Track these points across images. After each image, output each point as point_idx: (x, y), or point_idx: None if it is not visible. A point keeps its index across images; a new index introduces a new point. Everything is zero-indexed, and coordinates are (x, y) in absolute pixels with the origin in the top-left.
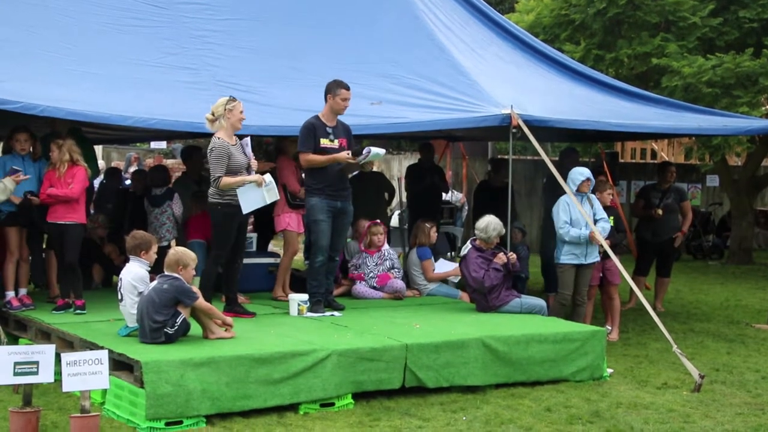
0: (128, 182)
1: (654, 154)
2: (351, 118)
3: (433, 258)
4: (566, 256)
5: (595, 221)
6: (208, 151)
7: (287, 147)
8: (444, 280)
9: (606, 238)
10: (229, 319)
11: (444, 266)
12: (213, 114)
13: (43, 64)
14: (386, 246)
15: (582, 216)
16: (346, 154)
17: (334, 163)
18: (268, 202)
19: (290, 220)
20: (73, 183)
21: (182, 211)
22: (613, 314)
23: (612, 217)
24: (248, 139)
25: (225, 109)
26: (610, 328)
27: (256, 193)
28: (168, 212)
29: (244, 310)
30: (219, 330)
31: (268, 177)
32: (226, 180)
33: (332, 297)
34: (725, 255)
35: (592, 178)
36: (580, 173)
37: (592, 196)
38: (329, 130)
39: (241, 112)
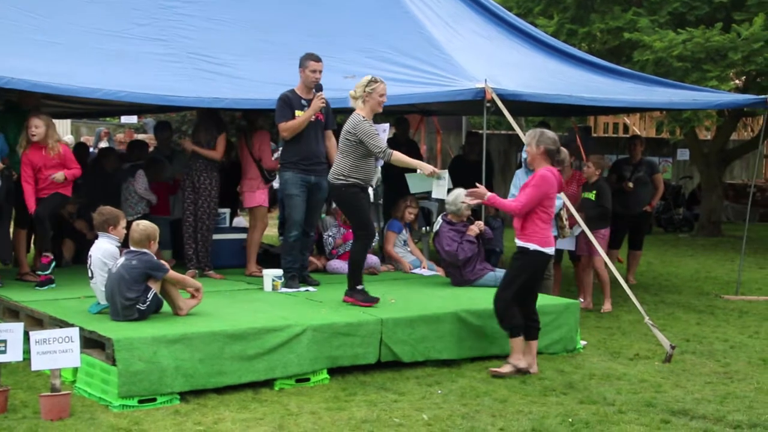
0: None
1: (626, 128)
2: (325, 92)
3: (405, 232)
4: None
5: None
6: (351, 129)
7: (260, 121)
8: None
9: (580, 212)
10: (198, 284)
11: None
12: (355, 92)
13: (5, 34)
14: None
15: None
16: (320, 102)
17: (309, 120)
18: (434, 196)
19: (265, 196)
20: (69, 163)
21: (146, 187)
22: (602, 287)
23: (594, 192)
24: (387, 125)
25: (364, 91)
26: (583, 300)
27: (424, 180)
28: (130, 188)
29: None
30: (187, 304)
31: (444, 173)
32: (399, 156)
33: (307, 272)
34: (695, 228)
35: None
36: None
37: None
38: (304, 102)
39: (382, 95)
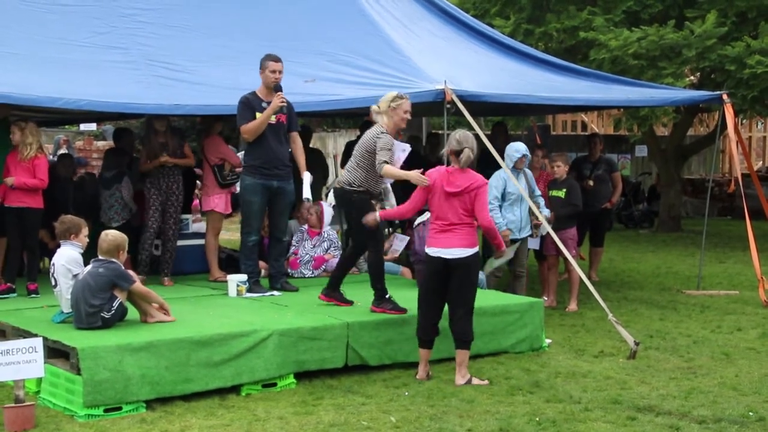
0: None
1: (584, 126)
2: (287, 96)
3: None
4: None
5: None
6: (375, 137)
7: (215, 126)
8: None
9: (550, 210)
10: (164, 301)
11: (399, 244)
12: (379, 107)
13: None
14: (327, 227)
15: (518, 190)
16: (279, 101)
17: (268, 119)
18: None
19: (219, 201)
20: (39, 173)
21: (132, 195)
22: (571, 286)
23: (564, 190)
24: (408, 146)
25: (389, 107)
26: (546, 298)
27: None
28: (116, 195)
29: (395, 305)
30: (157, 313)
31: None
32: (390, 170)
33: (284, 279)
34: (655, 224)
35: (528, 154)
36: (516, 149)
37: (528, 172)
38: (265, 105)
39: (406, 111)
